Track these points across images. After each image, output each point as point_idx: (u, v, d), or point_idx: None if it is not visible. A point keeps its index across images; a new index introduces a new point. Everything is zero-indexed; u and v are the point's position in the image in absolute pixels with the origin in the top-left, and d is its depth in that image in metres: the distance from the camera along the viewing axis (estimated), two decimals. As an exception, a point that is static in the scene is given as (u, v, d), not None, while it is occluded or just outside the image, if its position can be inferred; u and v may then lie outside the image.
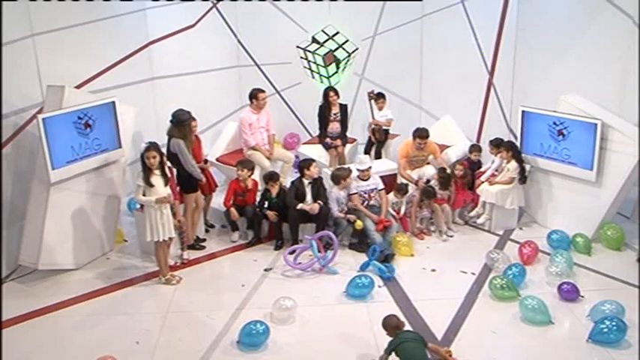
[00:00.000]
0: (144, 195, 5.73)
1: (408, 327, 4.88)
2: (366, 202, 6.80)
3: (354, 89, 9.53)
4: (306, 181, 6.78)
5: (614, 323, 4.86)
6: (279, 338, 5.04)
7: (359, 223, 6.59)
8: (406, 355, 4.42)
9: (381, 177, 7.05)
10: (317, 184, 6.80)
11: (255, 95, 7.73)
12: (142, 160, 5.74)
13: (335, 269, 6.21)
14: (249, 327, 4.95)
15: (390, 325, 4.64)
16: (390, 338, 4.59)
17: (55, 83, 6.12)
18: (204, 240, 6.90)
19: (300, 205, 6.64)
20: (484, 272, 6.11)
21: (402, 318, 5.27)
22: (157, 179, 5.75)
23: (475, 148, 7.84)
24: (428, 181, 7.25)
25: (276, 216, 6.74)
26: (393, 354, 4.48)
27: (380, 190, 6.87)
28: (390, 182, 7.26)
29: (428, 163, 7.60)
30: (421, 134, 7.42)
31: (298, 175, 7.08)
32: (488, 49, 8.66)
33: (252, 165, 7.02)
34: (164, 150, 6.31)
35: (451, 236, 7.03)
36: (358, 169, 6.87)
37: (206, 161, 7.17)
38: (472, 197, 7.31)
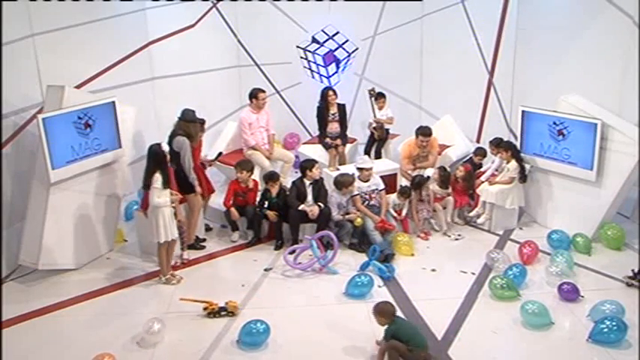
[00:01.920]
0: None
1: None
2: (367, 202, 6.79)
3: (354, 89, 9.54)
4: (307, 182, 6.78)
5: (614, 323, 4.85)
6: (279, 338, 5.04)
7: (358, 221, 6.59)
8: (407, 337, 4.56)
9: (382, 177, 7.05)
10: (318, 185, 6.80)
11: (255, 95, 7.74)
12: (162, 162, 5.73)
13: (335, 269, 6.21)
14: (250, 326, 4.95)
15: (388, 312, 4.69)
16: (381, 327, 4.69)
17: (55, 83, 6.12)
18: (204, 240, 6.90)
19: (301, 207, 6.64)
20: (484, 272, 6.11)
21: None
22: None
23: (480, 151, 7.80)
24: (428, 177, 7.24)
25: (275, 216, 6.74)
26: None
27: (380, 190, 6.87)
28: (390, 182, 7.26)
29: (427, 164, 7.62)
30: (424, 132, 7.48)
31: (299, 175, 7.08)
32: (488, 49, 8.66)
33: (251, 165, 7.01)
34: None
35: (459, 235, 7.02)
36: (358, 168, 6.87)
37: (217, 157, 7.19)
38: (468, 202, 7.31)
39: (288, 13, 9.25)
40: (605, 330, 4.84)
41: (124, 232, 7.10)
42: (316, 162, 6.99)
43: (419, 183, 6.98)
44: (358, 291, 5.67)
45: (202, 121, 7.08)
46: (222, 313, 5.37)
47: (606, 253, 6.54)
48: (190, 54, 8.74)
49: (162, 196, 5.71)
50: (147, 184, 5.77)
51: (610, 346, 4.83)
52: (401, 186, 7.20)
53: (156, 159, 5.75)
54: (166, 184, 5.73)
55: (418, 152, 7.55)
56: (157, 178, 5.68)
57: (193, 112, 6.56)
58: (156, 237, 5.82)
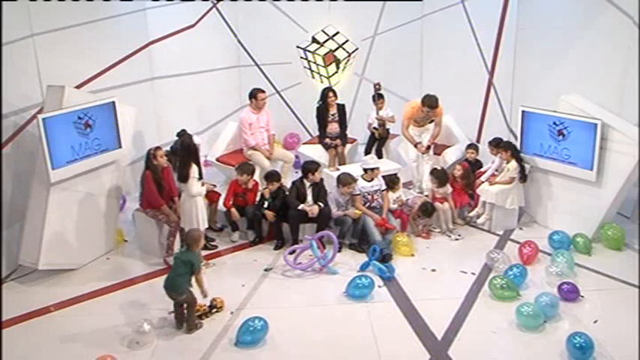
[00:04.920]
0: None
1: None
2: (368, 204, 6.79)
3: (354, 89, 9.54)
4: (307, 183, 6.77)
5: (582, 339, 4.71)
6: (278, 338, 5.05)
7: (357, 212, 6.60)
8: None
9: (383, 176, 7.03)
10: (318, 185, 6.79)
11: (254, 95, 7.75)
12: (195, 154, 5.93)
13: (335, 269, 6.21)
14: (247, 324, 4.96)
15: (196, 238, 5.16)
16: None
17: (55, 83, 6.12)
18: (213, 240, 6.89)
19: (301, 206, 6.63)
20: (484, 272, 6.11)
21: (402, 318, 5.34)
22: None
23: (471, 147, 7.85)
24: (434, 207, 7.05)
25: (273, 216, 6.73)
26: None
27: (382, 190, 6.88)
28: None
29: (431, 121, 7.65)
30: (431, 104, 7.36)
31: (299, 175, 7.08)
32: (488, 49, 8.66)
33: (251, 168, 6.97)
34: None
35: (459, 235, 7.02)
36: (365, 168, 6.87)
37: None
38: (468, 202, 7.32)
39: (288, 13, 9.26)
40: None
41: (124, 232, 7.10)
42: (320, 165, 6.96)
43: (425, 212, 6.94)
44: (359, 292, 5.66)
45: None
46: (213, 311, 5.41)
47: (606, 253, 6.53)
48: (190, 54, 8.74)
49: (199, 186, 5.95)
50: (184, 176, 5.88)
51: (611, 347, 4.83)
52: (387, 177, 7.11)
53: (189, 151, 5.93)
54: (201, 175, 6.00)
55: (422, 116, 7.55)
56: (195, 169, 5.88)
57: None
58: (194, 226, 5.93)
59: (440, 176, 7.11)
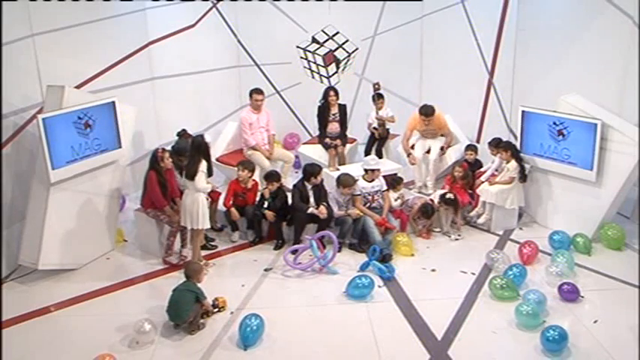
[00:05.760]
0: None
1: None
2: (368, 204, 6.79)
3: (354, 89, 9.54)
4: (309, 185, 6.76)
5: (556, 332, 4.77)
6: (278, 338, 5.05)
7: (356, 213, 6.61)
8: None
9: (383, 176, 7.03)
10: (318, 187, 6.78)
11: (250, 95, 7.76)
12: (205, 152, 5.92)
13: (335, 269, 6.21)
14: (245, 323, 4.98)
15: (196, 270, 5.32)
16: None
17: (55, 83, 6.12)
18: (213, 240, 6.89)
19: (310, 209, 6.62)
20: (484, 272, 6.11)
21: (402, 318, 5.34)
22: None
23: (470, 147, 7.84)
24: (433, 209, 7.00)
25: (273, 216, 6.73)
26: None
27: (383, 191, 6.88)
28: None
29: (442, 135, 7.78)
30: (426, 112, 7.56)
31: (299, 175, 7.07)
32: (488, 49, 8.67)
33: (252, 166, 7.01)
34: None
35: (459, 235, 7.01)
36: (366, 169, 6.86)
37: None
38: (470, 201, 7.31)
39: (288, 13, 9.25)
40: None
41: (124, 232, 7.10)
42: (322, 168, 6.95)
43: (425, 214, 6.92)
44: (358, 292, 5.66)
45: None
46: (216, 310, 5.43)
47: (606, 253, 6.54)
48: (190, 54, 8.74)
49: (206, 182, 5.93)
50: (192, 174, 5.84)
51: (611, 347, 4.83)
52: (391, 178, 7.12)
53: (200, 149, 5.91)
54: (210, 173, 6.00)
55: (424, 127, 7.64)
56: (204, 164, 5.87)
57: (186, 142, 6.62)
58: (195, 224, 5.94)
59: (452, 204, 7.00)
